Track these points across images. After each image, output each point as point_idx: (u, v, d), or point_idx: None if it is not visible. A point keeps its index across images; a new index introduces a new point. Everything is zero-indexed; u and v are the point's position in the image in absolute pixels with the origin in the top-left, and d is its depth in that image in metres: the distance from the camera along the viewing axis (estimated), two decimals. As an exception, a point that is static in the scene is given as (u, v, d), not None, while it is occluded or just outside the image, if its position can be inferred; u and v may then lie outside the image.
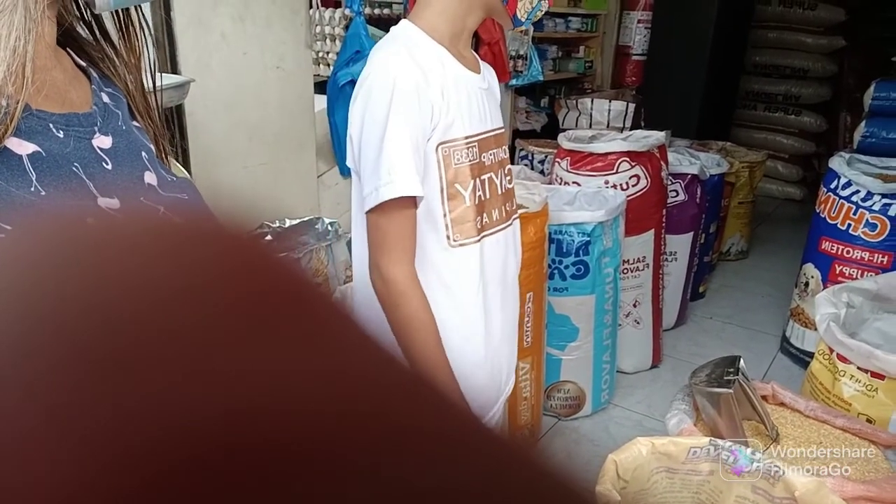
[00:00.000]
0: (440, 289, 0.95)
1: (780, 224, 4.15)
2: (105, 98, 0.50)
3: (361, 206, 0.91)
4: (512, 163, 3.00)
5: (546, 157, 2.88)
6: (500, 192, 0.98)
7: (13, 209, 0.38)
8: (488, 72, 1.02)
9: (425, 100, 0.86)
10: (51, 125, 0.43)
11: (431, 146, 0.89)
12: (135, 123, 0.54)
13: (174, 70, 1.72)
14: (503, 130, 1.02)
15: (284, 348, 0.11)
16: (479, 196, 0.94)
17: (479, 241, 0.95)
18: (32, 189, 0.40)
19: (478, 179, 0.93)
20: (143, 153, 0.50)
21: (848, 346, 1.48)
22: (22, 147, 0.40)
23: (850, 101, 4.18)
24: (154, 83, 0.57)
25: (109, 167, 0.46)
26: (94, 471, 0.09)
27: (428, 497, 0.10)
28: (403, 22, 0.93)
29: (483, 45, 2.63)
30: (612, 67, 3.74)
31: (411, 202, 0.87)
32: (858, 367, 1.47)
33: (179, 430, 0.09)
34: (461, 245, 0.94)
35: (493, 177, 0.97)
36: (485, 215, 0.96)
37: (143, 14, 0.54)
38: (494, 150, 0.97)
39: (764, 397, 1.40)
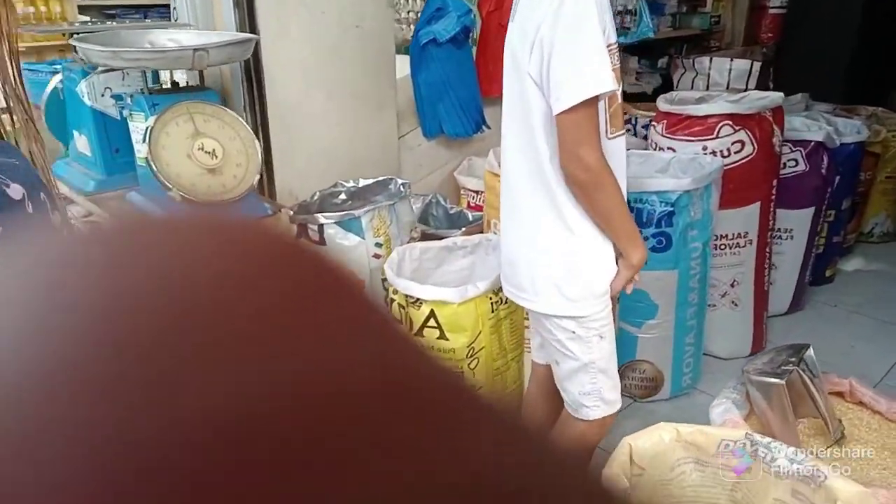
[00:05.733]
0: None
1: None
2: None
3: (544, 118, 1.08)
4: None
5: (650, 121, 2.68)
6: (619, 99, 1.15)
7: None
8: None
9: (600, 7, 1.03)
10: None
11: None
12: None
13: (252, 29, 1.78)
14: None
15: (329, 341, 0.11)
16: (619, 96, 1.13)
17: (623, 133, 1.16)
18: None
19: (619, 82, 1.10)
20: None
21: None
22: None
23: None
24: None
25: None
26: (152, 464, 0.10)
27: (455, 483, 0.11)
28: None
29: None
30: (746, 22, 3.37)
31: (598, 97, 1.04)
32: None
33: (245, 422, 0.10)
34: (616, 136, 1.14)
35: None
36: (623, 114, 1.15)
37: None
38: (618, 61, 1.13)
39: (840, 393, 1.22)
